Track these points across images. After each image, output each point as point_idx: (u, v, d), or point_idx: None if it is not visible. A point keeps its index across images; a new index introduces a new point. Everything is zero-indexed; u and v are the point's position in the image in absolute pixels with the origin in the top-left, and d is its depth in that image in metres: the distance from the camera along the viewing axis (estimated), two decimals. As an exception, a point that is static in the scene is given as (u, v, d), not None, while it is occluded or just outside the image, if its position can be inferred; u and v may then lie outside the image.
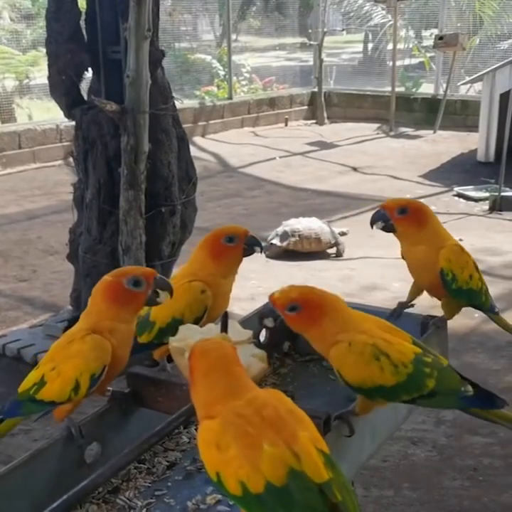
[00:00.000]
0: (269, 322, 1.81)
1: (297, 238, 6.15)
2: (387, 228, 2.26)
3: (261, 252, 2.22)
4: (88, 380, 1.77)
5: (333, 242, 6.24)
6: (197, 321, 2.03)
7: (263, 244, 2.33)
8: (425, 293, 2.40)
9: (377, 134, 11.64)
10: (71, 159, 4.81)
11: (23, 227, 7.19)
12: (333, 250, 6.30)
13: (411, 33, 13.45)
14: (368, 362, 1.70)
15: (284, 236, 6.19)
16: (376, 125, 11.91)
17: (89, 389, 1.79)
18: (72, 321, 4.40)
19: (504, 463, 3.41)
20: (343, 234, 6.40)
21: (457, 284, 2.23)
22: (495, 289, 5.13)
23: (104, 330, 1.81)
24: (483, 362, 4.37)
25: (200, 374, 1.47)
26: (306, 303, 1.75)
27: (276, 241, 6.20)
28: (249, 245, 2.16)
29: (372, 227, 2.29)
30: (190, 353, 1.52)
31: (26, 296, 5.48)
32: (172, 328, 1.98)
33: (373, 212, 2.30)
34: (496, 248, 6.27)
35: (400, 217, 2.23)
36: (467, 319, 4.46)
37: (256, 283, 5.32)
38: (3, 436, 1.93)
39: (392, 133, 11.48)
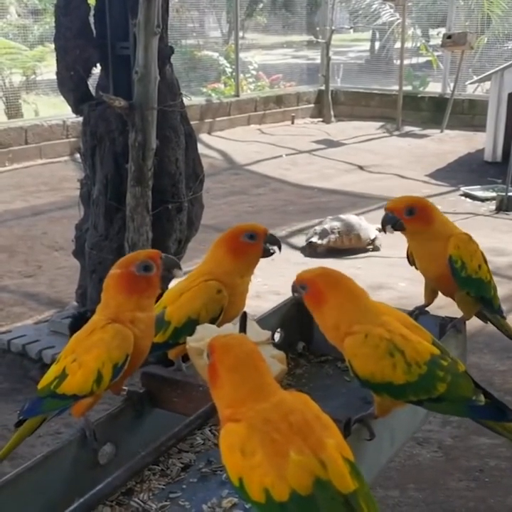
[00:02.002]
0: (295, 295, 1.86)
1: (337, 235, 6.17)
2: (397, 227, 2.25)
3: (279, 252, 2.18)
4: (111, 370, 1.73)
5: (372, 237, 6.24)
6: (213, 322, 2.00)
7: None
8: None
9: (384, 132, 11.61)
10: (78, 155, 4.80)
11: (28, 222, 7.18)
12: (371, 246, 6.30)
13: (418, 31, 13.42)
14: (381, 357, 1.67)
15: (324, 234, 6.20)
16: (389, 124, 11.86)
17: (111, 380, 1.75)
18: (77, 317, 4.42)
19: (510, 464, 3.39)
20: (380, 230, 6.35)
21: (466, 272, 2.21)
22: (501, 289, 5.07)
23: (125, 320, 1.78)
24: (489, 363, 4.35)
25: (226, 370, 1.43)
26: (312, 285, 1.76)
27: (315, 239, 6.21)
28: (268, 244, 2.12)
29: (384, 232, 2.28)
30: (210, 349, 1.48)
31: (31, 291, 5.48)
32: (187, 328, 1.96)
33: (382, 215, 2.29)
34: (503, 248, 6.25)
35: (408, 219, 2.21)
36: (474, 319, 4.44)
37: (261, 281, 5.30)
38: (28, 437, 1.89)
39: (395, 132, 11.45)
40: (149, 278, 1.82)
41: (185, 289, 2.08)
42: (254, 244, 2.09)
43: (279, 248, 2.17)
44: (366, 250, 6.27)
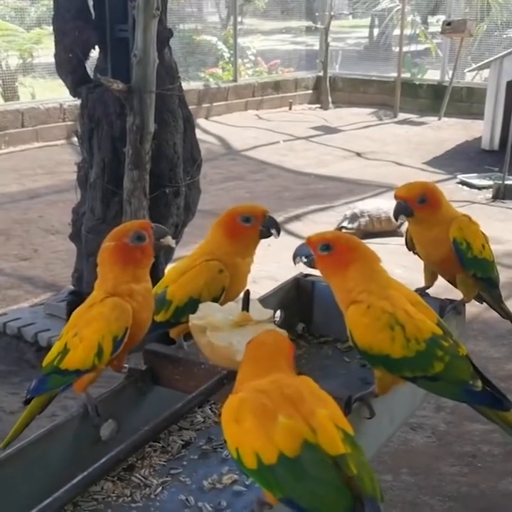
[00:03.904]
0: (298, 260, 1.84)
1: (367, 219, 6.17)
2: (407, 214, 2.25)
3: (278, 236, 2.12)
4: (111, 343, 1.74)
5: (403, 220, 6.21)
6: (214, 301, 2.00)
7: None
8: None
9: (377, 119, 11.60)
10: (75, 138, 4.78)
11: (24, 206, 7.17)
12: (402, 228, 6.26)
13: (418, 18, 13.36)
14: (381, 329, 1.68)
15: (354, 218, 6.21)
16: (381, 111, 11.85)
17: (112, 353, 1.75)
18: (73, 300, 4.42)
19: (503, 450, 3.42)
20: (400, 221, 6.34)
21: (472, 253, 2.22)
22: (497, 277, 5.13)
23: (123, 294, 1.79)
24: (485, 350, 4.37)
25: (249, 357, 1.51)
26: (338, 245, 1.76)
27: (346, 224, 6.21)
28: (267, 227, 2.09)
29: (396, 220, 2.30)
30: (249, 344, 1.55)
31: (27, 275, 5.48)
32: (189, 307, 1.96)
33: (395, 204, 2.29)
34: (499, 237, 6.25)
35: (420, 207, 2.22)
36: (469, 306, 4.45)
37: (258, 266, 5.29)
38: (37, 416, 1.91)
39: (388, 119, 11.41)
40: (143, 248, 1.84)
41: (186, 268, 2.08)
42: (251, 227, 2.07)
43: (278, 232, 2.11)
44: (396, 233, 6.22)
